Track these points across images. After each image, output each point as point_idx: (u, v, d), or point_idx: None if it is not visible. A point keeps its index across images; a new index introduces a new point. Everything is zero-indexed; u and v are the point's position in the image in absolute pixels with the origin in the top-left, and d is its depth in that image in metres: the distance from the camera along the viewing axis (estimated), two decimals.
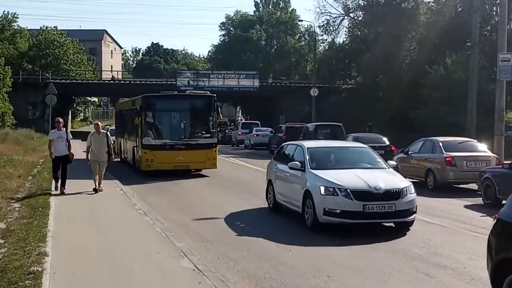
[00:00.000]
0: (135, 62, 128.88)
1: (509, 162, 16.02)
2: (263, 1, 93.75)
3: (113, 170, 21.48)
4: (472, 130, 32.74)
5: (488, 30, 41.64)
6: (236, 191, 19.31)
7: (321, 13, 56.22)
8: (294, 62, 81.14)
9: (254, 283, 8.38)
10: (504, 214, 6.40)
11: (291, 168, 13.09)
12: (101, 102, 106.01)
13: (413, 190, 11.82)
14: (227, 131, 53.71)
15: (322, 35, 60.85)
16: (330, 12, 55.80)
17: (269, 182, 14.95)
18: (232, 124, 63.85)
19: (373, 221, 11.67)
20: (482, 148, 20.02)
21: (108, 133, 18.63)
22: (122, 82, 72.19)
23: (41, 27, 71.65)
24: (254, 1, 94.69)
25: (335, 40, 58.66)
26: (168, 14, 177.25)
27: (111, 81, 70.51)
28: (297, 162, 13.00)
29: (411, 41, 48.65)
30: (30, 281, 7.71)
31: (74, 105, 78.24)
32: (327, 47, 62.09)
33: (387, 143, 26.78)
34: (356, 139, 27.15)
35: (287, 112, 56.73)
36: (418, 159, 19.81)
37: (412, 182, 13.41)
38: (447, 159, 18.29)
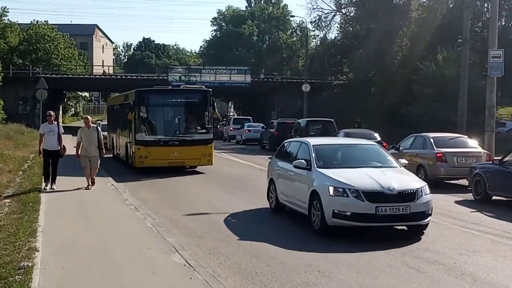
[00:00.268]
0: (126, 57, 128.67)
1: (500, 158, 16.08)
2: None
3: (106, 166, 21.22)
4: (463, 126, 32.84)
5: (479, 26, 41.77)
6: (228, 187, 19.21)
7: (313, 8, 56.56)
8: (286, 57, 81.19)
9: (245, 278, 8.40)
10: None
11: (296, 166, 12.14)
12: (92, 97, 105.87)
13: (428, 190, 10.95)
14: (218, 126, 53.73)
15: (314, 30, 61.03)
16: (322, 8, 56.05)
17: (271, 181, 14.08)
18: (224, 119, 63.93)
19: (386, 224, 10.78)
20: (473, 144, 20.10)
21: (99, 127, 18.17)
22: (113, 77, 71.87)
23: (31, 22, 71.51)
24: None
25: (327, 36, 58.85)
26: (160, 9, 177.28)
27: (102, 76, 70.49)
28: (303, 160, 12.01)
29: (402, 37, 48.77)
30: (20, 276, 7.69)
31: (65, 100, 78.01)
32: (319, 42, 62.21)
33: (379, 139, 26.75)
34: (347, 135, 27.24)
35: (278, 107, 56.85)
36: (409, 155, 19.82)
37: None
38: (438, 155, 18.34)
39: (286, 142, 14.98)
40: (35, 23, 70.94)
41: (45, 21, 72.25)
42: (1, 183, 17.33)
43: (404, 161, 12.91)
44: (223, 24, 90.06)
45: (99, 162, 17.23)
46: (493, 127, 21.28)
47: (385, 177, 10.92)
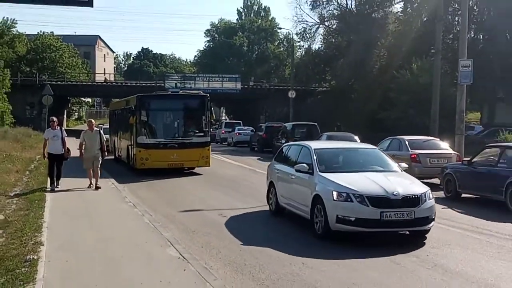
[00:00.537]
0: (126, 65, 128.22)
1: (469, 159, 16.18)
2: (245, 10, 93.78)
3: (108, 168, 21.14)
4: (435, 130, 32.99)
5: (451, 38, 41.95)
6: (221, 186, 19.12)
7: (298, 21, 56.56)
8: (273, 66, 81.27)
9: (234, 270, 8.42)
10: None
11: (297, 170, 11.24)
12: (95, 103, 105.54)
13: (431, 195, 10.14)
14: (211, 129, 53.73)
15: (299, 41, 61.02)
16: (306, 21, 56.12)
17: (271, 184, 13.16)
18: (217, 123, 63.93)
19: (391, 229, 9.89)
20: (444, 146, 20.22)
21: (101, 130, 17.96)
22: (114, 84, 71.73)
23: (38, 33, 71.25)
24: (237, 9, 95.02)
25: (311, 46, 58.92)
26: (158, 21, 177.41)
27: (104, 83, 70.18)
28: (304, 164, 11.10)
29: (380, 48, 48.87)
30: (27, 268, 7.70)
31: (69, 105, 77.80)
32: (304, 53, 62.28)
33: (358, 141, 26.84)
34: (330, 137, 27.30)
35: (266, 112, 56.92)
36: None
37: None
38: (413, 156, 18.43)
39: (285, 146, 14.14)
40: (41, 34, 70.77)
41: (51, 32, 72.07)
42: (9, 182, 17.27)
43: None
44: (216, 35, 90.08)
45: (100, 163, 16.94)
46: (462, 130, 21.36)
47: (389, 182, 10.16)
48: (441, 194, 16.26)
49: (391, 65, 46.80)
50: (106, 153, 18.24)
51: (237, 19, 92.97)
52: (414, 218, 9.53)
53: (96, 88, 69.58)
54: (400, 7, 50.75)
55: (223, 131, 49.99)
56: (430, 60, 42.18)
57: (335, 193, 9.76)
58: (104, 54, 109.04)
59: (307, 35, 57.06)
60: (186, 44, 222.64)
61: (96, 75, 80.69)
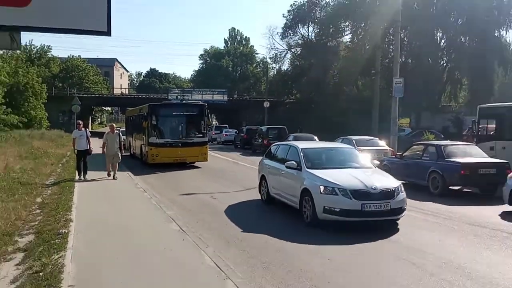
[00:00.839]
0: (138, 82, 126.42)
1: (400, 153, 16.35)
2: (231, 39, 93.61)
3: (125, 162, 20.61)
4: (376, 131, 33.35)
5: (387, 62, 42.33)
6: (213, 176, 18.92)
7: (271, 48, 57.38)
8: (252, 83, 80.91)
9: (223, 239, 8.41)
10: None
11: (287, 167, 10.40)
12: (113, 111, 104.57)
13: (403, 189, 9.46)
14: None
15: (272, 64, 61.16)
16: (277, 48, 56.69)
17: (262, 177, 12.26)
18: (209, 126, 63.65)
19: (370, 219, 9.01)
20: (382, 144, 20.37)
21: (120, 133, 17.69)
22: (128, 96, 71.44)
23: (68, 56, 70.47)
24: (224, 39, 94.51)
25: (281, 67, 59.40)
26: (162, 47, 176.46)
27: (120, 96, 69.82)
28: (293, 162, 10.30)
29: (334, 69, 49.29)
30: (59, 240, 7.64)
31: (93, 113, 77.13)
32: (275, 72, 62.41)
33: (317, 140, 26.93)
34: (295, 137, 27.29)
35: (247, 118, 56.73)
36: None
37: None
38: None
39: (274, 146, 13.03)
40: (71, 57, 70.15)
41: (78, 56, 71.47)
42: (45, 173, 17.09)
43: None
44: (208, 59, 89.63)
45: (120, 158, 16.80)
46: (396, 132, 21.52)
47: (367, 177, 9.45)
48: None
49: (342, 82, 47.37)
50: (124, 151, 18.05)
51: (224, 46, 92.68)
52: (390, 209, 8.89)
53: (114, 100, 69.49)
54: (349, 38, 51.20)
55: (213, 133, 49.64)
56: (372, 78, 42.74)
57: (321, 187, 9.07)
58: (121, 73, 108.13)
59: (278, 59, 57.79)
60: (184, 65, 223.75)
61: (114, 89, 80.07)
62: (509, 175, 11.57)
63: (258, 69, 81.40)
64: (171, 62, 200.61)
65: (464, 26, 41.85)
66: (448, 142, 16.16)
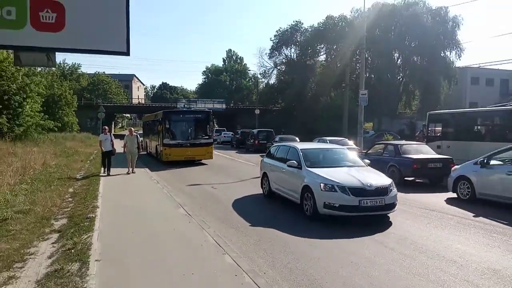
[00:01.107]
0: (152, 93, 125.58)
1: (365, 151, 16.39)
2: (228, 59, 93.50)
3: (143, 160, 20.61)
4: (346, 133, 33.42)
5: (354, 77, 42.47)
6: (214, 170, 18.83)
7: (261, 66, 57.95)
8: (245, 94, 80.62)
9: (222, 222, 8.37)
10: None
11: (289, 166, 9.62)
12: (132, 117, 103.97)
13: (394, 186, 8.69)
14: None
15: (261, 78, 61.14)
16: (266, 66, 56.76)
17: (264, 175, 11.50)
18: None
19: (366, 213, 8.20)
20: (351, 143, 20.37)
21: (138, 135, 17.56)
22: (144, 105, 71.05)
23: (95, 72, 70.22)
24: (222, 58, 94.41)
25: (269, 81, 59.34)
26: (172, 64, 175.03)
27: (138, 105, 69.57)
28: (294, 161, 9.58)
29: (312, 83, 49.31)
30: (88, 223, 7.58)
31: (115, 119, 76.69)
32: (264, 86, 62.40)
33: (298, 140, 26.93)
34: (281, 139, 27.28)
35: (241, 123, 56.63)
36: None
37: None
38: None
39: (274, 146, 12.05)
40: (97, 73, 69.90)
41: (103, 72, 71.24)
42: (76, 168, 16.96)
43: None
44: (209, 74, 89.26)
45: (137, 157, 16.71)
46: (361, 133, 21.59)
47: (363, 176, 8.70)
48: None
49: (318, 93, 47.43)
50: (141, 150, 17.89)
51: (222, 64, 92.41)
52: (384, 204, 8.19)
53: (133, 108, 69.42)
54: (324, 58, 51.27)
55: (214, 135, 49.75)
56: (342, 90, 42.79)
57: (322, 185, 8.34)
58: (138, 86, 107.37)
59: (266, 74, 57.82)
60: (190, 79, 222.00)
61: (133, 99, 79.80)
62: (452, 168, 11.69)
63: (250, 83, 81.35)
64: (180, 77, 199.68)
65: (417, 48, 42.12)
66: (403, 142, 16.25)
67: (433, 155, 13.89)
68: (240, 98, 76.63)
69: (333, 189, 8.22)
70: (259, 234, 7.39)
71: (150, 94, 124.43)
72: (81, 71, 63.63)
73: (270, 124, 40.46)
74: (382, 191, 8.28)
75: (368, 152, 15.67)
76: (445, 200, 10.83)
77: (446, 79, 41.77)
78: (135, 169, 16.26)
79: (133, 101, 76.05)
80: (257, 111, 48.28)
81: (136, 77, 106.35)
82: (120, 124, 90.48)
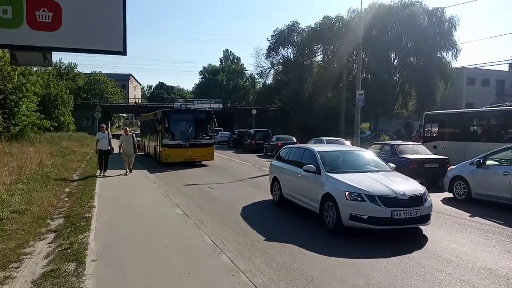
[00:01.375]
0: (149, 93, 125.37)
1: None
2: (225, 58, 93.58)
3: (141, 161, 20.19)
4: (342, 133, 33.50)
5: (351, 77, 42.63)
6: (211, 170, 18.79)
7: (258, 66, 58.14)
8: (242, 94, 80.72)
9: (218, 222, 8.36)
10: None
11: (306, 170, 8.43)
12: (128, 116, 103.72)
13: (428, 194, 7.54)
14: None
15: (258, 78, 61.29)
16: (263, 66, 56.89)
17: (274, 179, 10.32)
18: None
19: (399, 227, 7.06)
20: (348, 143, 20.36)
21: (133, 135, 16.98)
22: (141, 105, 70.82)
23: (91, 72, 70.09)
24: (219, 58, 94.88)
25: (266, 82, 59.53)
26: (169, 64, 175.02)
27: (134, 104, 69.37)
28: (312, 165, 8.36)
29: (308, 83, 49.41)
30: (84, 222, 7.56)
31: (112, 118, 76.54)
32: (261, 85, 62.51)
33: (295, 140, 27.02)
34: (278, 139, 27.38)
35: (238, 123, 56.70)
36: None
37: None
38: None
39: (285, 149, 10.83)
40: (93, 72, 69.76)
41: (99, 71, 71.09)
42: (72, 167, 16.91)
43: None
44: (206, 74, 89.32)
45: (133, 156, 16.17)
46: (358, 134, 21.63)
47: (392, 183, 7.55)
48: None
49: (315, 93, 47.51)
50: (137, 150, 17.21)
51: (219, 64, 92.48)
52: (419, 216, 7.08)
53: (129, 108, 69.31)
54: (321, 58, 51.40)
55: (219, 136, 49.71)
56: (339, 90, 42.92)
57: (347, 193, 7.20)
58: (135, 86, 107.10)
59: (263, 74, 58.01)
60: (187, 79, 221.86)
61: (129, 99, 79.56)
62: (448, 169, 11.74)
63: (247, 83, 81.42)
64: (176, 76, 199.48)
65: (413, 48, 42.30)
66: (400, 142, 16.28)
67: (429, 155, 13.92)
68: (237, 98, 76.68)
69: (360, 199, 7.08)
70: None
71: (146, 94, 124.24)
72: (78, 70, 63.44)
73: (267, 124, 40.50)
74: (417, 200, 7.17)
75: None
76: (441, 200, 10.86)
77: (442, 79, 41.96)
78: (132, 170, 15.89)
79: (129, 101, 75.84)
80: (254, 111, 48.31)
81: (133, 77, 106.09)
82: (117, 123, 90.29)
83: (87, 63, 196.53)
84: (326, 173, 8.06)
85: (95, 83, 66.42)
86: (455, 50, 41.95)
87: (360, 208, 7.04)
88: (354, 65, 41.62)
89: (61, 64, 60.63)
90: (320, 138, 21.46)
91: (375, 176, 7.99)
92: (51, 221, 7.89)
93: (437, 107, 35.65)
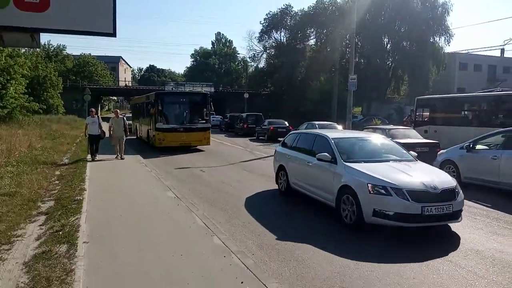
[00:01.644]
0: (139, 76, 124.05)
1: None
2: (217, 42, 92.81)
3: (133, 146, 19.61)
4: (334, 117, 33.58)
5: (344, 61, 42.50)
6: (202, 153, 18.73)
7: (250, 49, 57.76)
8: (234, 78, 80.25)
9: (209, 204, 8.42)
10: None
11: (319, 159, 7.54)
12: (119, 99, 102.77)
13: (459, 187, 6.73)
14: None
15: (250, 62, 60.78)
16: (255, 49, 56.37)
17: (280, 168, 9.48)
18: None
19: (430, 224, 6.27)
20: (340, 128, 20.55)
21: (124, 117, 16.39)
22: (131, 88, 69.97)
23: (80, 54, 68.99)
24: (211, 41, 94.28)
25: (258, 65, 59.06)
26: (160, 47, 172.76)
27: (124, 87, 68.72)
28: (326, 154, 7.47)
29: (301, 67, 49.17)
30: (75, 205, 7.56)
31: (102, 101, 75.42)
32: (253, 69, 62.12)
33: (287, 124, 27.10)
34: (270, 123, 27.44)
35: (230, 106, 56.43)
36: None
37: None
38: None
39: (293, 134, 10.08)
40: (83, 54, 68.71)
41: (89, 53, 70.03)
42: (62, 150, 16.81)
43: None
44: (198, 57, 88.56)
45: (124, 140, 15.59)
46: (350, 118, 21.64)
47: (420, 174, 6.74)
48: None
49: (307, 78, 47.32)
50: (128, 133, 16.51)
51: (211, 47, 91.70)
52: (452, 212, 6.29)
53: (119, 90, 68.66)
54: (314, 42, 51.05)
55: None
56: (332, 75, 42.83)
57: (369, 186, 6.37)
58: (125, 68, 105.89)
59: (256, 58, 57.46)
60: (178, 62, 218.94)
61: (120, 82, 78.85)
62: (438, 153, 11.87)
63: (239, 66, 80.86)
64: (167, 59, 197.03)
65: (406, 33, 42.18)
66: (391, 126, 16.38)
67: (420, 139, 14.04)
68: (229, 81, 76.25)
69: (386, 192, 6.25)
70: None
71: (137, 76, 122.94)
72: (67, 52, 62.47)
73: (259, 108, 40.42)
74: (449, 194, 6.39)
75: None
76: None
77: (434, 64, 42.02)
78: (124, 156, 15.30)
79: (120, 84, 75.12)
80: (246, 95, 48.13)
81: (123, 59, 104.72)
82: (107, 107, 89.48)
83: (76, 45, 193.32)
84: (344, 162, 7.21)
85: (84, 65, 65.43)
86: (448, 35, 41.94)
87: (385, 203, 6.22)
88: (347, 49, 41.42)
89: (50, 46, 59.69)
90: (312, 122, 21.54)
91: (398, 166, 7.13)
92: (42, 203, 7.87)
93: (429, 92, 35.77)
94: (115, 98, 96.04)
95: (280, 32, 53.03)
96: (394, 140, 13.45)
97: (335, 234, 6.54)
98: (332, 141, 7.81)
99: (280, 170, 9.53)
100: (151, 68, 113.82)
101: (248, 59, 60.10)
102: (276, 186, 9.81)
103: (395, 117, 39.25)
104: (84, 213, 7.03)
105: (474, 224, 7.19)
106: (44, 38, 71.78)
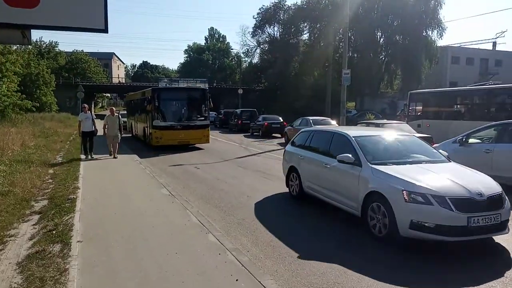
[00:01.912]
0: (132, 72, 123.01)
1: None
2: (210, 37, 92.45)
3: (129, 144, 19.24)
4: (328, 113, 33.62)
5: (337, 56, 42.46)
6: (196, 150, 18.62)
7: (244, 45, 57.36)
8: (228, 73, 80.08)
9: (204, 201, 8.40)
10: None
11: (340, 161, 6.56)
12: (112, 96, 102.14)
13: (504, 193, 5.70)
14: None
15: (244, 58, 60.68)
16: (249, 44, 56.40)
17: (291, 169, 8.49)
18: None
19: (476, 237, 5.26)
20: (334, 123, 20.60)
21: (120, 115, 15.66)
22: (125, 84, 69.99)
23: (73, 50, 68.31)
24: (204, 37, 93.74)
25: (252, 61, 59.03)
26: (153, 43, 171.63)
27: (118, 84, 68.43)
28: (349, 155, 6.47)
29: (295, 62, 49.16)
30: (69, 204, 7.50)
31: (95, 98, 74.98)
32: (247, 65, 61.98)
33: (281, 120, 27.08)
34: (264, 119, 27.42)
35: (224, 102, 56.31)
36: (297, 129, 20.04)
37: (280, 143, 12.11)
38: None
39: (304, 132, 8.90)
40: (75, 51, 68.01)
41: (81, 50, 69.33)
42: (56, 149, 16.67)
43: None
44: (191, 53, 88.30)
45: (119, 138, 15.06)
46: (344, 113, 21.66)
47: (462, 178, 5.72)
48: None
49: (301, 73, 47.31)
50: (123, 132, 16.16)
51: (204, 43, 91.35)
52: (500, 222, 5.36)
53: (113, 87, 68.40)
54: (307, 36, 50.96)
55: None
56: (325, 70, 42.79)
57: (405, 193, 5.40)
58: (118, 65, 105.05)
59: (249, 53, 57.52)
60: (172, 58, 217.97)
61: (113, 78, 78.39)
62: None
63: (233, 62, 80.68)
64: (161, 55, 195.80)
65: (399, 27, 42.22)
66: (385, 121, 16.40)
67: (413, 134, 14.07)
68: (223, 77, 76.08)
69: (425, 201, 5.31)
70: (244, 214, 7.18)
71: (130, 73, 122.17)
72: (59, 49, 61.93)
73: (254, 104, 40.37)
74: (496, 202, 5.45)
75: None
76: None
77: (427, 58, 42.15)
78: (117, 155, 14.61)
79: (113, 80, 74.67)
80: (240, 91, 48.05)
81: (116, 56, 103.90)
82: (100, 103, 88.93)
83: (69, 42, 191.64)
84: (370, 165, 6.25)
85: (77, 62, 64.89)
86: (440, 28, 42.02)
87: (425, 213, 5.26)
88: (341, 43, 41.41)
89: (42, 43, 59.16)
90: (307, 117, 21.51)
91: (433, 168, 6.16)
92: (35, 202, 7.81)
93: (422, 86, 35.90)
94: (109, 95, 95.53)
95: (274, 27, 53.02)
96: None
97: (337, 234, 6.53)
98: (354, 141, 6.80)
99: (291, 172, 8.55)
100: (145, 64, 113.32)
101: (241, 55, 60.05)
102: (272, 182, 9.81)
103: (388, 112, 39.41)
104: (77, 211, 6.98)
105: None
106: (36, 34, 71.32)
